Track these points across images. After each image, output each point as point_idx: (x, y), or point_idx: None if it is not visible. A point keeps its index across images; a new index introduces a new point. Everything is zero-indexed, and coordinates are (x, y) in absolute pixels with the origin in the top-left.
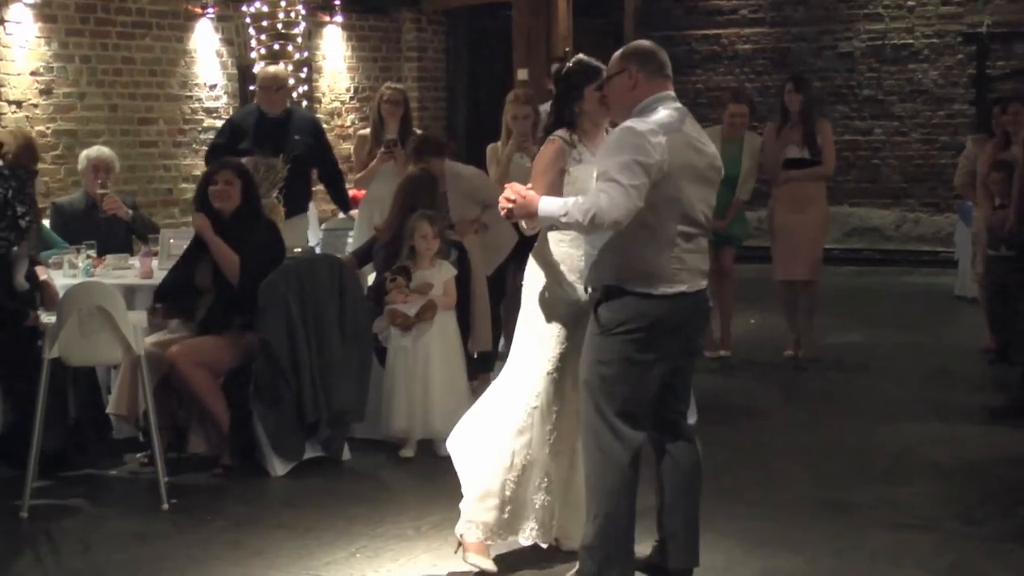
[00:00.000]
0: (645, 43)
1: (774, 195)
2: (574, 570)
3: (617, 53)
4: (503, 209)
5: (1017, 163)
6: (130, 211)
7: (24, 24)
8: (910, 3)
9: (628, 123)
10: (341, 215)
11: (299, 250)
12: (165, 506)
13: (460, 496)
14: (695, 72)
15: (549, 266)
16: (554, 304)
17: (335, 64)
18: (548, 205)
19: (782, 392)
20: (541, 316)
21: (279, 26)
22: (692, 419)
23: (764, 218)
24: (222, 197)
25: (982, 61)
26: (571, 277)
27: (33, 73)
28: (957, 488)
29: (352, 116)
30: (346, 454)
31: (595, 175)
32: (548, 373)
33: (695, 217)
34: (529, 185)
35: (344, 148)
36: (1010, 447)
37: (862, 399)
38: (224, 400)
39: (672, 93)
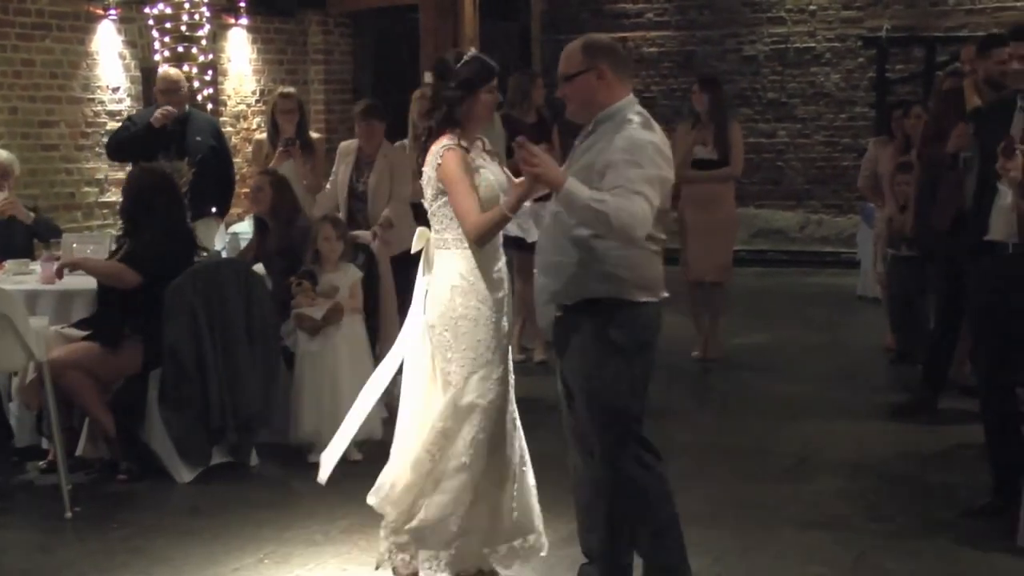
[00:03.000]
0: (606, 38)
1: (683, 195)
2: None
3: (577, 47)
4: (532, 167)
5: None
6: (31, 214)
7: None
8: (812, 7)
9: (639, 134)
10: (248, 218)
11: (205, 254)
12: (68, 514)
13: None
14: None
15: (474, 285)
16: (479, 329)
17: (240, 67)
18: (577, 185)
19: (689, 393)
20: (463, 345)
21: (183, 28)
22: None
23: (673, 219)
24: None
25: (882, 65)
26: (493, 292)
27: None
28: (861, 485)
29: (258, 119)
30: (253, 459)
31: (606, 180)
32: (490, 402)
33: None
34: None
35: (249, 151)
36: (912, 444)
37: (767, 398)
38: (105, 407)
39: (634, 97)
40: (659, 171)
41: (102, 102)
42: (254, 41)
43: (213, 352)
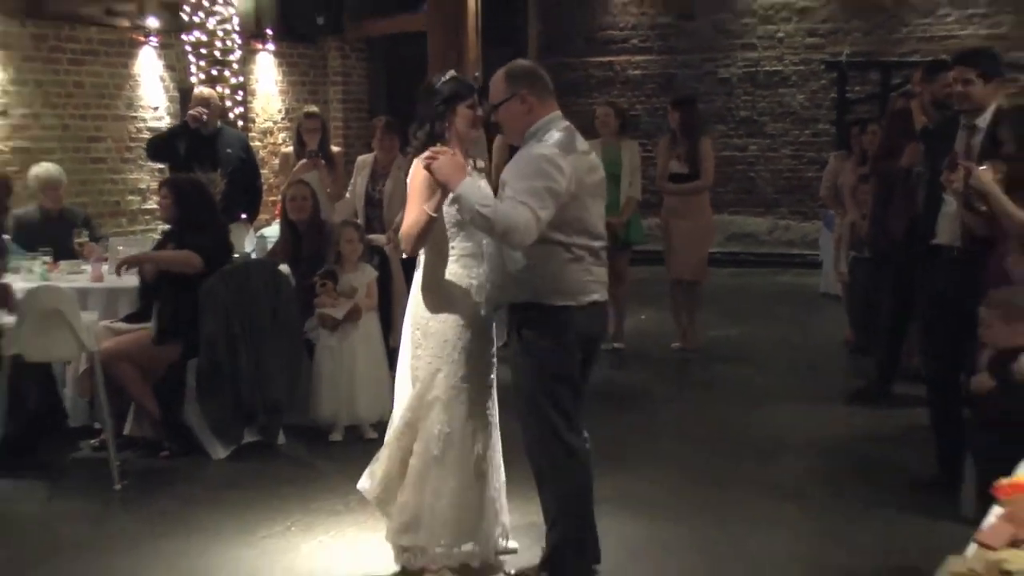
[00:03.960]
0: (526, 64)
1: (664, 204)
2: (528, 568)
3: (500, 77)
4: (427, 160)
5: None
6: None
7: None
8: (780, 35)
9: (538, 148)
10: (275, 223)
11: (236, 256)
12: (117, 487)
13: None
14: (592, 95)
15: (442, 289)
16: (447, 329)
17: (267, 88)
18: (471, 190)
19: (670, 380)
20: (431, 344)
21: (216, 53)
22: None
23: (656, 225)
24: (162, 207)
25: (842, 86)
26: (465, 297)
27: None
28: (823, 463)
29: (283, 134)
30: (280, 439)
31: (502, 189)
32: (453, 398)
33: (599, 231)
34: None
35: (276, 163)
36: (869, 426)
37: (740, 386)
38: (151, 393)
39: (559, 112)
40: (548, 183)
41: (144, 120)
42: (280, 65)
43: (244, 344)
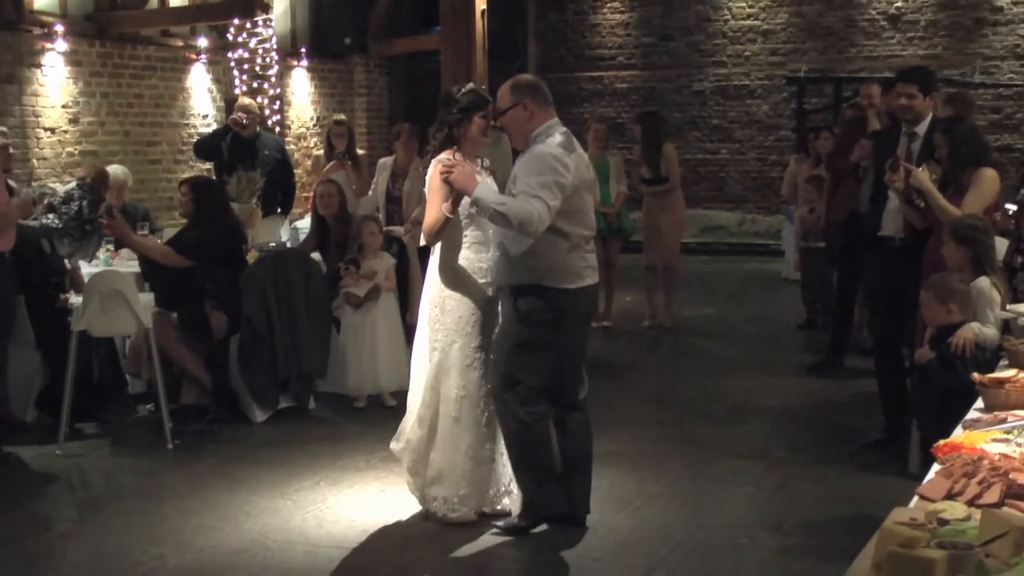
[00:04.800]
0: (529, 77)
1: (643, 202)
2: (508, 522)
3: (507, 88)
4: (444, 172)
5: (824, 178)
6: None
7: (56, 68)
8: (747, 53)
9: (544, 148)
10: (307, 216)
11: (273, 244)
12: (169, 446)
13: (389, 447)
14: (583, 105)
15: (456, 272)
16: (462, 306)
17: (301, 99)
18: (486, 192)
19: (649, 353)
20: (448, 319)
21: (257, 69)
22: (582, 394)
23: (638, 218)
24: (182, 204)
25: (801, 98)
26: (476, 279)
27: (64, 106)
28: (783, 426)
29: (315, 139)
30: (312, 404)
31: (515, 186)
32: (467, 366)
33: (592, 222)
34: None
35: (308, 164)
36: (822, 394)
37: (710, 358)
38: (202, 364)
39: (558, 119)
40: (556, 177)
41: (194, 126)
42: (312, 79)
43: (280, 321)
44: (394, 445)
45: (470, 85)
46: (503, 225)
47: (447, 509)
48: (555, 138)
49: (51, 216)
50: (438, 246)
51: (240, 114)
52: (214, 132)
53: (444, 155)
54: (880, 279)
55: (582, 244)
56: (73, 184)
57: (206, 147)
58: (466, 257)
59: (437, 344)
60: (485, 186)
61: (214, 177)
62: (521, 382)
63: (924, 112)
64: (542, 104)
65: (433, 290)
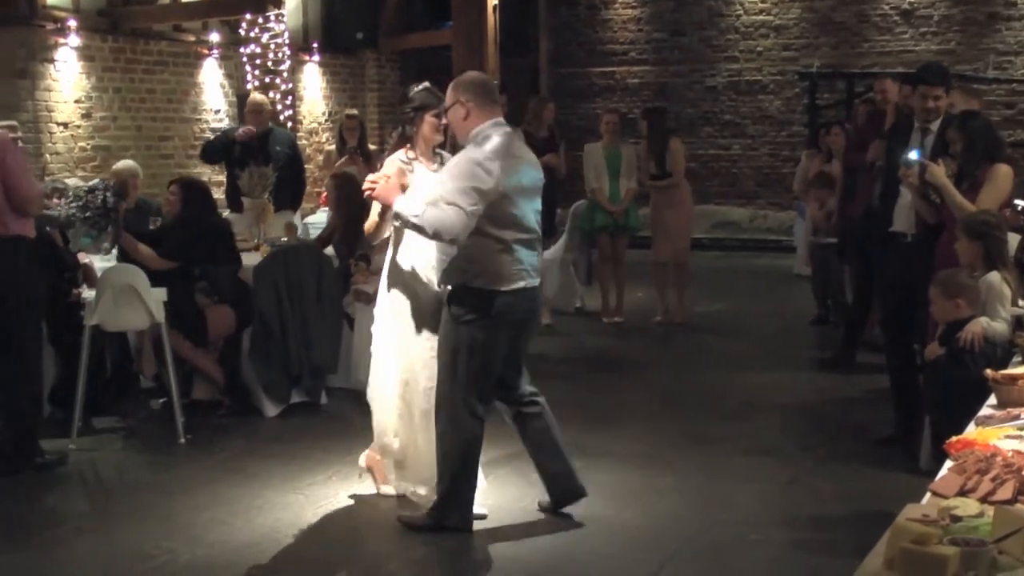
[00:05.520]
0: (474, 75)
1: (651, 198)
2: (416, 515)
3: (450, 86)
4: (367, 190)
5: (836, 174)
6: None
7: (69, 63)
8: (759, 48)
9: (469, 152)
10: (320, 211)
11: (285, 239)
12: (182, 440)
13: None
14: (595, 101)
15: (409, 270)
16: (415, 298)
17: (313, 94)
18: (404, 204)
19: (661, 349)
20: (407, 309)
21: (269, 64)
22: (528, 387)
23: (647, 214)
24: (169, 204)
25: (813, 94)
26: (425, 275)
27: (76, 101)
28: (794, 422)
29: (327, 134)
30: (323, 399)
31: (435, 188)
32: (431, 357)
33: (530, 226)
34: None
35: (321, 159)
36: (834, 390)
37: (721, 354)
38: (212, 360)
39: (501, 118)
40: (475, 183)
41: (206, 122)
42: (324, 74)
43: (292, 316)
44: (388, 445)
45: (424, 84)
46: (421, 234)
47: (419, 491)
48: (493, 140)
49: (77, 205)
50: (390, 250)
51: (247, 129)
52: (219, 139)
53: (398, 154)
54: (892, 275)
55: (515, 247)
56: (97, 180)
57: (213, 152)
58: (417, 258)
59: (402, 340)
60: (404, 200)
61: (227, 172)
62: (459, 383)
63: (943, 110)
64: (482, 104)
65: (390, 289)
